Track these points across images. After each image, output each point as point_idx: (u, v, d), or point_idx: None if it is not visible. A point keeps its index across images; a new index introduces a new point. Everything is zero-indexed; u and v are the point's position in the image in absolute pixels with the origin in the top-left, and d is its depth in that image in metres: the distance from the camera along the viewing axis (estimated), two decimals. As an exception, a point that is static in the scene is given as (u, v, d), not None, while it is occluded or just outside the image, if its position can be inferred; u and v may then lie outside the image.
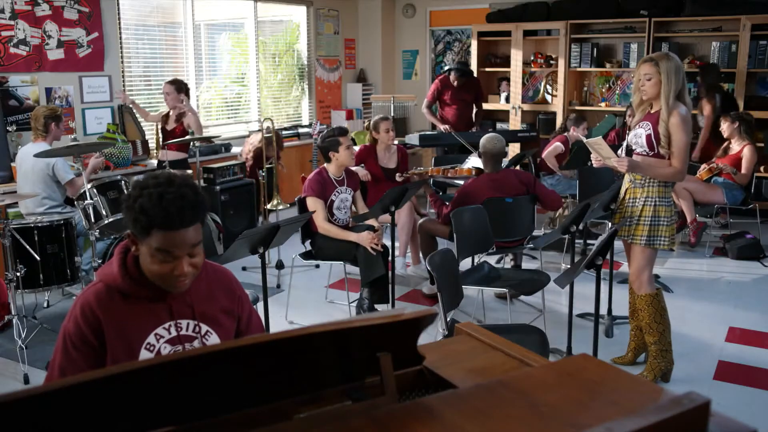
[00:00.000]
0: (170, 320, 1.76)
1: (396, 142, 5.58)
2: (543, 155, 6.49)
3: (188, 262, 1.67)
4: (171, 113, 5.70)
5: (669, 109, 3.30)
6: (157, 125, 5.90)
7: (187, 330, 1.78)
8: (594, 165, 3.64)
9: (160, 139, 5.82)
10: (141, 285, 1.72)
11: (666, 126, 3.31)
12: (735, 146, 5.96)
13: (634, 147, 3.47)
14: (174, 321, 1.76)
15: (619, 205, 3.59)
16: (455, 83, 7.15)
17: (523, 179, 4.64)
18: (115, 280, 1.71)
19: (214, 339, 1.81)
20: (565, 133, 6.53)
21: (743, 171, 5.84)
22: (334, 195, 4.49)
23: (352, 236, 4.33)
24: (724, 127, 5.96)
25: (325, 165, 4.53)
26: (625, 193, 3.55)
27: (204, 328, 1.80)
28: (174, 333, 1.76)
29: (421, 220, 5.01)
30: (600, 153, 3.50)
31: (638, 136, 3.44)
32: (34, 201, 4.61)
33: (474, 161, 5.19)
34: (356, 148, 5.06)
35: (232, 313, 1.88)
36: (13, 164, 5.16)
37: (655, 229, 3.43)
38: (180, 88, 5.62)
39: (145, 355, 1.73)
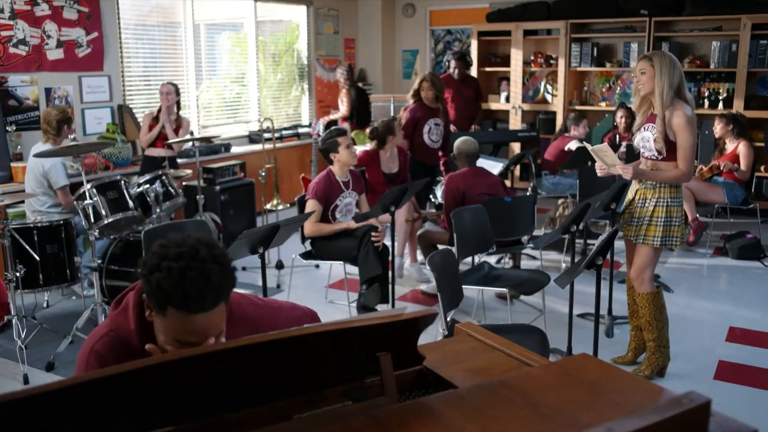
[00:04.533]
0: None
1: None
2: (547, 155, 6.50)
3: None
4: (162, 113, 5.54)
5: (665, 105, 3.28)
6: (149, 125, 5.62)
7: None
8: (598, 173, 3.61)
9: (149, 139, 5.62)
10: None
11: (663, 123, 3.30)
12: (729, 146, 5.97)
13: (642, 151, 3.45)
14: None
15: (627, 205, 3.58)
16: (456, 73, 7.11)
17: (496, 177, 4.95)
18: (130, 335, 1.59)
19: None
20: (566, 134, 6.52)
21: (743, 168, 5.84)
22: (339, 200, 4.47)
23: (340, 226, 4.36)
24: (717, 129, 5.98)
25: (330, 167, 4.52)
26: (635, 194, 3.54)
27: None
28: None
29: (420, 231, 5.01)
30: (605, 161, 3.49)
31: (645, 139, 3.41)
32: (35, 199, 4.61)
33: None
34: (357, 149, 5.03)
35: None
36: (13, 164, 5.16)
37: (668, 230, 3.41)
38: (178, 91, 5.63)
39: None
